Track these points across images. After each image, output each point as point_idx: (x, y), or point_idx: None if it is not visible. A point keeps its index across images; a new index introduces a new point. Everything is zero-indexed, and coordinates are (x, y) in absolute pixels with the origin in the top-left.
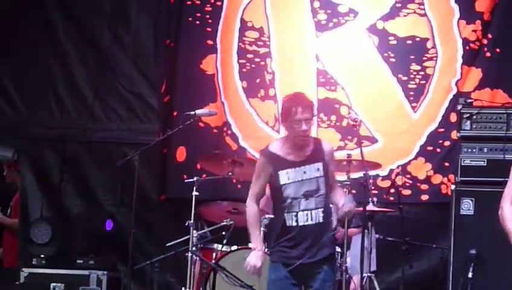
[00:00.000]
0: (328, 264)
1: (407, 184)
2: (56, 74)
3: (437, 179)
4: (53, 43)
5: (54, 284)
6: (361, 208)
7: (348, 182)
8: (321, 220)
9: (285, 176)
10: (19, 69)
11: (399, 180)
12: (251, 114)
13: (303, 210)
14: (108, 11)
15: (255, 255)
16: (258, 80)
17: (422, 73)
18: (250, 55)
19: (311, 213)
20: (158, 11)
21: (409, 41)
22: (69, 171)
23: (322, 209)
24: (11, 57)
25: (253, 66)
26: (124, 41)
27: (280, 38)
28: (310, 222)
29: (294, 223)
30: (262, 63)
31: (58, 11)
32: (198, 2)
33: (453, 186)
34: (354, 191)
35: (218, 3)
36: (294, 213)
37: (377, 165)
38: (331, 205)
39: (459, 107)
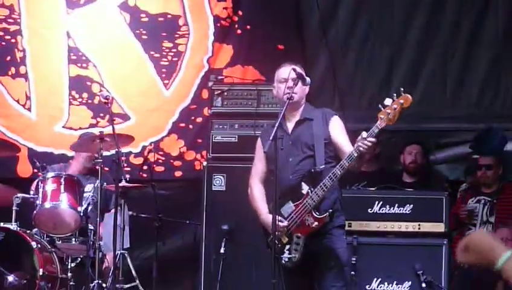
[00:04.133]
0: None
1: (160, 161)
2: None
3: (190, 155)
4: None
5: None
6: (114, 186)
7: (101, 160)
8: None
9: None
10: None
11: (151, 157)
12: (1, 92)
13: None
14: None
15: None
16: (8, 58)
17: (174, 50)
18: (0, 33)
19: None
20: None
21: (161, 18)
22: None
23: None
24: None
25: (3, 43)
26: None
27: (31, 15)
28: None
29: None
30: (13, 40)
31: None
32: None
33: (204, 163)
34: (107, 169)
35: None
36: None
37: (129, 140)
38: None
39: (210, 84)
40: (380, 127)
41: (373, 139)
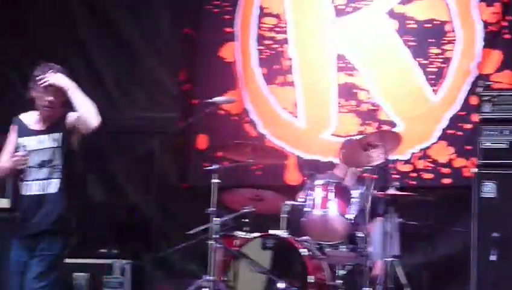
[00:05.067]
0: (48, 238)
1: (429, 168)
2: (77, 63)
3: (459, 162)
4: (72, 32)
5: (76, 273)
6: (383, 193)
7: (370, 167)
8: (51, 191)
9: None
10: (43, 60)
11: (420, 164)
12: (270, 101)
13: (35, 180)
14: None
15: None
16: (276, 66)
17: (442, 56)
18: (268, 42)
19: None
20: None
21: (428, 25)
22: (92, 160)
23: (56, 180)
24: (33, 48)
25: (271, 52)
26: (144, 31)
27: (298, 24)
28: (40, 192)
29: (27, 193)
30: (281, 49)
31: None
32: None
33: (474, 169)
34: (375, 176)
35: None
36: (28, 182)
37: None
38: None
39: (479, 89)
40: None
41: None
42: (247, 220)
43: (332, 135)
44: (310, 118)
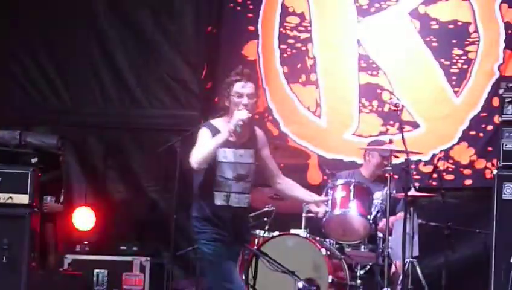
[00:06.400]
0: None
1: (450, 169)
2: (99, 62)
3: (480, 163)
4: (95, 32)
5: (97, 270)
6: (403, 194)
7: (390, 168)
8: (244, 205)
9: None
10: (63, 58)
11: (441, 165)
12: (292, 100)
13: (233, 192)
14: None
15: None
16: (299, 65)
17: (464, 57)
18: (291, 41)
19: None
20: None
21: (451, 26)
22: (113, 157)
23: (248, 195)
24: (54, 47)
25: (294, 51)
26: (166, 29)
27: (321, 24)
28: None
29: (225, 203)
30: (304, 48)
31: None
32: None
33: (495, 171)
34: (396, 177)
35: None
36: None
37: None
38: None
39: (501, 91)
40: None
41: None
42: (267, 219)
43: (354, 134)
44: (332, 117)
